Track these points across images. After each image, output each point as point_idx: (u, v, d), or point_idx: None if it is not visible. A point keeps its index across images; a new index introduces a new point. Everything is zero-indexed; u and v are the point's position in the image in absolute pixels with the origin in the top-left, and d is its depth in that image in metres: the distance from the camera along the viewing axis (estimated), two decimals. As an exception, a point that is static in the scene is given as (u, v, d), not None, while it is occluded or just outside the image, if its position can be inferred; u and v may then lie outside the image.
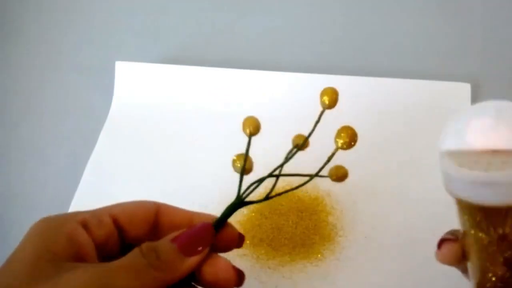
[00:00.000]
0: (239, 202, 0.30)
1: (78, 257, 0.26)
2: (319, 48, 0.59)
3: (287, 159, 0.31)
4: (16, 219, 0.46)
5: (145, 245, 0.27)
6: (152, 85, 0.54)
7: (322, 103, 0.31)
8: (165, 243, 0.27)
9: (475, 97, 0.52)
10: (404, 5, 0.62)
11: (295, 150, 0.31)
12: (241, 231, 0.42)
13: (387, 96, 0.52)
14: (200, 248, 0.28)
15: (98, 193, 0.46)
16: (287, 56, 0.58)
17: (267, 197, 0.30)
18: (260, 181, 0.30)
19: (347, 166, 0.47)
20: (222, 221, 0.29)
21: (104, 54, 0.59)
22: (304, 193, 0.45)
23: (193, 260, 0.27)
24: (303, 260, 0.41)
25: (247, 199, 0.30)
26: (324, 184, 0.46)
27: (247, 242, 0.42)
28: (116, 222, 0.29)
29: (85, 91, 0.56)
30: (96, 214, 0.28)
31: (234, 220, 0.44)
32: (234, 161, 0.31)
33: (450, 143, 0.25)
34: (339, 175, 0.31)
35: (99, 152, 0.49)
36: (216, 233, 0.29)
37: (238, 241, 0.31)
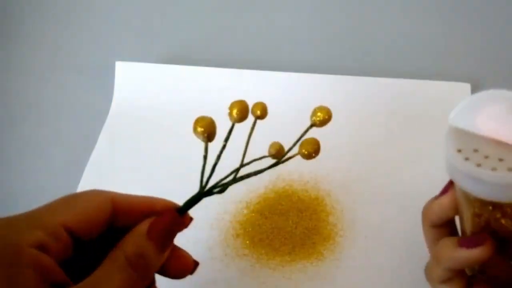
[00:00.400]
0: (201, 194, 0.30)
1: (52, 285, 0.24)
2: (319, 48, 0.59)
3: (247, 144, 0.31)
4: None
5: (131, 252, 0.26)
6: (152, 85, 0.54)
7: (313, 120, 0.31)
8: (147, 247, 0.26)
9: (475, 97, 0.52)
10: (404, 6, 0.62)
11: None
12: (241, 231, 0.43)
13: (387, 96, 0.52)
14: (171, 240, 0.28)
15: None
16: (286, 56, 0.58)
17: (236, 179, 0.31)
18: (226, 177, 0.31)
19: (346, 165, 0.48)
20: (184, 211, 0.30)
21: (104, 54, 0.59)
22: (304, 193, 0.45)
23: (165, 255, 0.28)
24: (303, 260, 0.41)
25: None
26: (324, 184, 0.46)
27: (247, 242, 0.42)
28: (71, 232, 0.26)
29: (85, 91, 0.56)
30: (50, 231, 0.25)
31: (234, 220, 0.44)
32: (195, 124, 0.31)
33: (459, 120, 0.25)
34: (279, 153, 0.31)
35: (99, 151, 0.49)
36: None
37: (188, 223, 0.31)
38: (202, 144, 0.32)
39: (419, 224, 0.43)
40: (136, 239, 0.27)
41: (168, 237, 0.28)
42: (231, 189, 0.46)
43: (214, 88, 0.53)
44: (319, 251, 0.41)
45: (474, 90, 0.52)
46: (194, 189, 0.49)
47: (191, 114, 0.52)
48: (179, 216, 0.29)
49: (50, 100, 0.55)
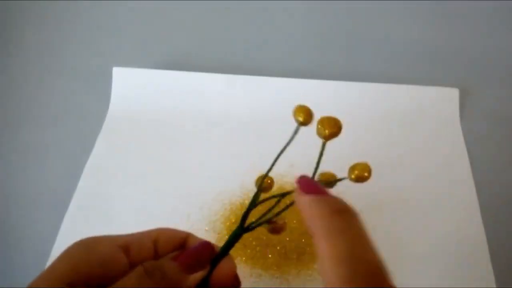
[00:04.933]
0: (242, 230, 0.30)
1: (108, 279, 0.27)
2: (313, 54, 0.60)
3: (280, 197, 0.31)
4: (15, 222, 0.46)
5: (149, 264, 0.27)
6: (148, 90, 0.54)
7: (297, 120, 0.31)
8: (168, 262, 0.28)
9: (463, 102, 0.53)
10: (393, 13, 0.63)
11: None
12: (242, 238, 0.43)
13: (376, 102, 0.53)
14: (200, 265, 0.29)
15: (96, 197, 0.47)
16: (282, 61, 0.59)
17: (268, 221, 0.30)
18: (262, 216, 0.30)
19: (334, 170, 0.48)
20: (227, 248, 0.30)
21: (101, 60, 0.59)
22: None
23: (196, 276, 0.28)
24: (304, 263, 0.41)
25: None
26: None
27: (248, 251, 0.42)
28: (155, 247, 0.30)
29: (83, 97, 0.56)
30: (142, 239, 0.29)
31: (229, 222, 0.44)
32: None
33: None
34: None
35: (96, 156, 0.50)
36: (220, 257, 0.29)
37: (233, 281, 0.30)
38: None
39: (412, 226, 0.44)
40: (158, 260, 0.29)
41: (195, 262, 0.28)
42: (226, 192, 0.47)
43: (211, 93, 0.54)
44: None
45: (463, 95, 0.53)
46: (191, 193, 0.49)
47: (187, 119, 0.53)
48: (212, 248, 0.29)
49: (48, 106, 0.56)
